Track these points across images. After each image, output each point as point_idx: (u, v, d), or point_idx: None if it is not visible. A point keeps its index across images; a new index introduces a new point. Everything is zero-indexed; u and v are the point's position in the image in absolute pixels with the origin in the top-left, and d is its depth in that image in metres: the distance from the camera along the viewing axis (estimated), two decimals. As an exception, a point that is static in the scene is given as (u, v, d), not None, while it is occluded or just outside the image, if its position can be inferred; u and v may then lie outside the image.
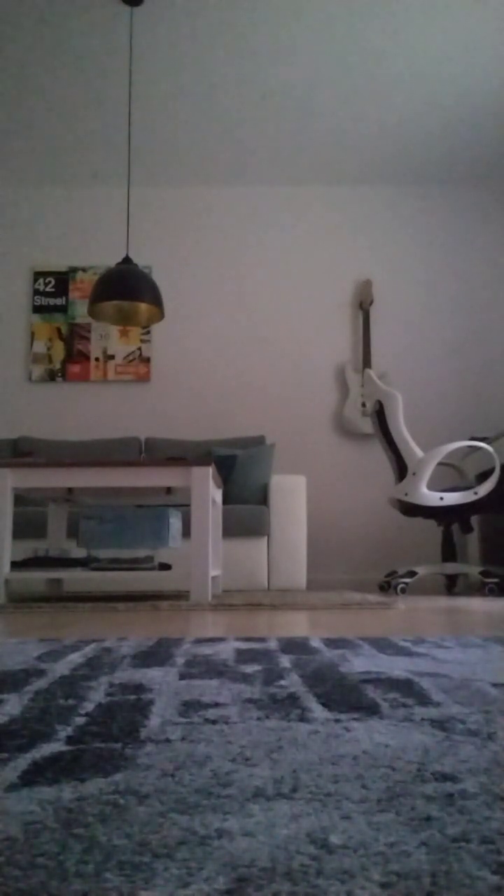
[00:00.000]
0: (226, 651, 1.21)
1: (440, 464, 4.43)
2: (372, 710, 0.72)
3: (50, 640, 1.43)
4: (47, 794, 0.47)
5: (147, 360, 5.04)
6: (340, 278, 5.14)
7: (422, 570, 3.68)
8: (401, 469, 3.75)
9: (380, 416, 3.82)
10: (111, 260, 5.16)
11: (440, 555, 4.66)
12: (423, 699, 0.77)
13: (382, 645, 1.27)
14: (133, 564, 2.87)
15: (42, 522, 3.76)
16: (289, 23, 3.64)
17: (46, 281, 5.11)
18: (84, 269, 5.13)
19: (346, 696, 0.79)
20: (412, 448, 3.68)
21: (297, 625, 1.80)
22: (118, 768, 0.53)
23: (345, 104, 4.29)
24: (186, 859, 0.36)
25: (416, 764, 0.53)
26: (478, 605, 2.73)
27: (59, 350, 5.05)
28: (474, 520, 4.60)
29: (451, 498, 3.63)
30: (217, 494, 3.37)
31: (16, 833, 0.40)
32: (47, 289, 5.11)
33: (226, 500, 4.09)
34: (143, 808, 0.44)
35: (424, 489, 3.63)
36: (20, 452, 4.53)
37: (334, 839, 0.39)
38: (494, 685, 0.86)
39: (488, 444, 4.16)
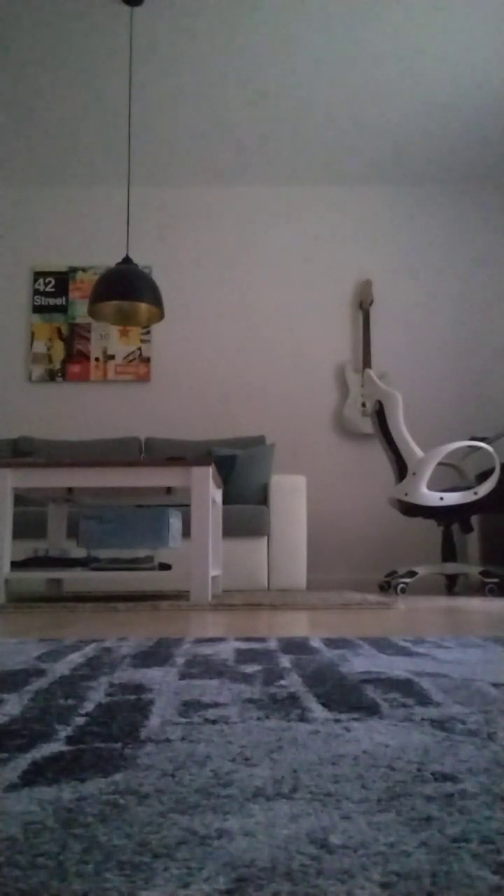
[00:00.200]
0: (226, 651, 1.21)
1: (440, 464, 4.43)
2: (372, 710, 0.72)
3: (50, 640, 1.43)
4: (47, 794, 0.47)
5: (147, 360, 5.04)
6: (340, 278, 5.14)
7: (422, 570, 3.68)
8: (401, 469, 3.75)
9: (380, 416, 3.82)
10: (111, 260, 5.16)
11: (440, 555, 4.66)
12: (423, 699, 0.77)
13: (382, 645, 1.27)
14: (133, 564, 2.87)
15: (42, 522, 3.76)
16: (289, 23, 3.64)
17: (46, 281, 5.11)
18: (84, 269, 5.13)
19: (346, 696, 0.79)
20: (412, 448, 3.68)
21: (297, 625, 1.80)
22: (118, 768, 0.53)
23: (345, 104, 4.29)
24: (186, 859, 0.36)
25: (416, 764, 0.53)
26: (478, 605, 2.73)
27: (59, 350, 5.05)
28: (474, 520, 4.60)
29: (451, 498, 3.63)
30: (217, 494, 3.37)
31: (16, 833, 0.40)
32: (47, 289, 5.11)
33: (226, 500, 4.09)
34: (143, 808, 0.44)
35: (424, 489, 3.63)
36: (20, 452, 4.53)
37: (334, 839, 0.39)
38: (494, 685, 0.86)
39: (488, 444, 4.16)
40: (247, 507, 3.87)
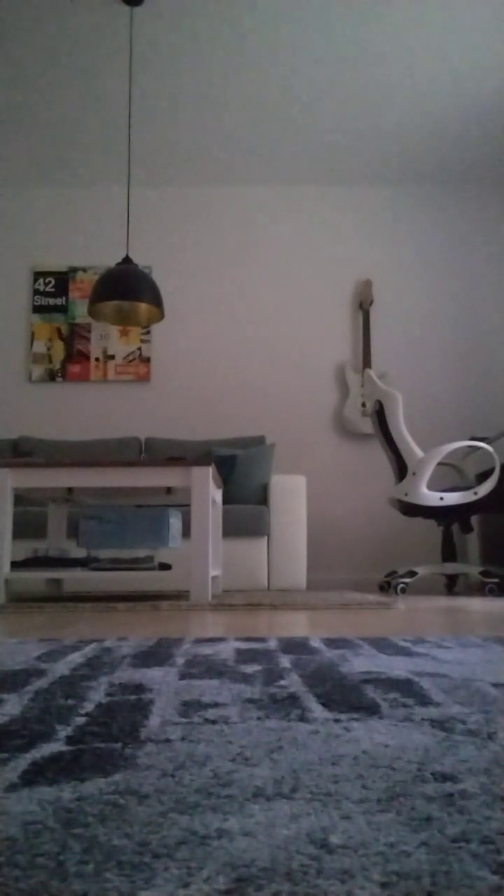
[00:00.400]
0: (226, 651, 1.21)
1: (440, 464, 4.43)
2: (372, 710, 0.72)
3: (50, 640, 1.43)
4: (47, 794, 0.47)
5: (147, 360, 5.04)
6: (340, 278, 5.14)
7: (422, 570, 3.68)
8: (401, 469, 3.75)
9: (380, 416, 3.82)
10: (111, 260, 5.16)
11: (440, 555, 4.66)
12: (423, 699, 0.77)
13: (382, 645, 1.27)
14: (133, 564, 2.87)
15: (42, 522, 3.76)
16: (289, 23, 3.64)
17: (46, 281, 5.11)
18: (84, 269, 5.13)
19: (346, 696, 0.79)
20: (412, 448, 3.68)
21: (297, 625, 1.80)
22: (118, 768, 0.53)
23: (345, 104, 4.29)
24: (186, 859, 0.36)
25: (416, 764, 0.53)
26: (478, 605, 2.73)
27: (59, 350, 5.05)
28: (474, 520, 4.60)
29: (451, 498, 3.63)
30: (217, 494, 3.37)
31: (16, 833, 0.40)
32: (47, 289, 5.11)
33: (226, 500, 4.09)
34: (143, 808, 0.44)
35: (424, 489, 3.63)
36: (20, 452, 4.53)
37: (334, 839, 0.39)
38: (494, 685, 0.86)
39: (488, 444, 4.16)
40: (247, 507, 3.87)
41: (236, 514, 3.81)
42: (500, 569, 4.10)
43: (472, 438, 4.51)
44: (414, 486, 3.64)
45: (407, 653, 1.16)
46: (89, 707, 0.75)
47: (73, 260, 5.17)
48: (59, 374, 5.01)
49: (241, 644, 1.31)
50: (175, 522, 3.01)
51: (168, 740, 0.61)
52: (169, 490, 2.99)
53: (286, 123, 4.48)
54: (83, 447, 4.59)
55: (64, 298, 5.10)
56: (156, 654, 1.17)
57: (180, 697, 0.80)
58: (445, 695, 0.80)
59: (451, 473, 4.90)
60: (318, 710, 0.72)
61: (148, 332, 5.06)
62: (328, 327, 5.09)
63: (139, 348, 5.05)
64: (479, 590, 4.28)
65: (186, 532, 3.74)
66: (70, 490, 2.99)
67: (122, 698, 0.80)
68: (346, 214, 5.20)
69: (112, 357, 5.04)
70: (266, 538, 3.87)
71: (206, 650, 1.22)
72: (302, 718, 0.68)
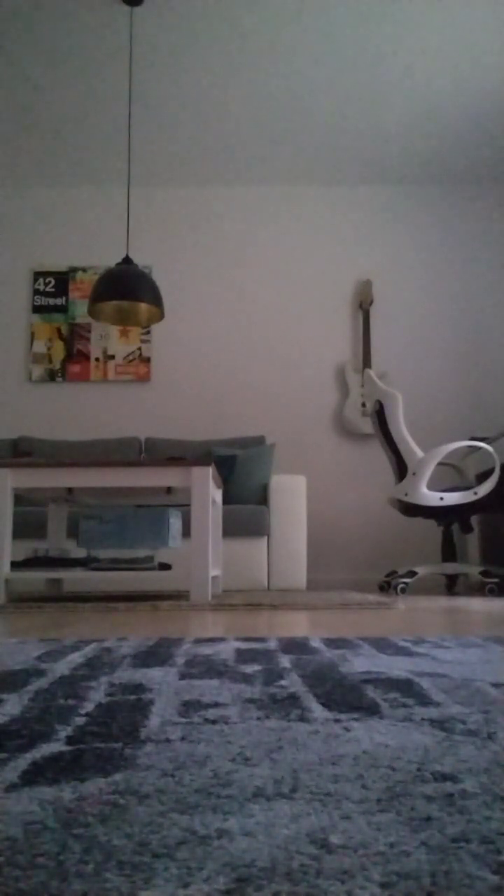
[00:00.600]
0: (226, 651, 1.21)
1: (440, 464, 4.43)
2: (372, 710, 0.72)
3: (50, 640, 1.43)
4: (47, 794, 0.47)
5: (147, 360, 5.04)
6: (340, 278, 5.14)
7: (422, 570, 3.68)
8: (401, 469, 3.75)
9: (380, 416, 3.82)
10: (111, 260, 5.16)
11: (440, 555, 4.66)
12: (423, 699, 0.77)
13: (382, 645, 1.27)
14: (133, 564, 2.87)
15: (42, 522, 3.76)
16: (289, 23, 3.64)
17: (46, 281, 5.11)
18: (84, 269, 5.13)
19: (346, 696, 0.79)
20: (412, 448, 3.68)
21: (297, 625, 1.80)
22: (118, 768, 0.53)
23: (345, 104, 4.29)
24: (186, 859, 0.36)
25: (416, 764, 0.53)
26: (478, 605, 2.73)
27: (59, 350, 5.05)
28: (474, 520, 4.60)
29: (451, 498, 3.63)
30: (217, 494, 3.37)
31: (16, 833, 0.40)
32: (47, 289, 5.11)
33: (226, 500, 4.09)
34: (143, 808, 0.44)
35: (424, 489, 3.63)
36: (20, 452, 4.53)
37: (334, 839, 0.39)
38: (494, 685, 0.86)
39: (488, 444, 4.16)
40: (247, 507, 3.87)
41: (236, 514, 3.81)
42: (500, 569, 4.10)
43: (472, 438, 4.51)
44: (414, 486, 3.64)
45: (407, 653, 1.16)
46: (89, 707, 0.75)
47: (73, 260, 5.17)
48: (59, 374, 5.01)
49: (241, 644, 1.31)
50: (175, 522, 3.01)
51: (168, 740, 0.61)
52: (169, 490, 2.99)
53: (286, 123, 4.48)
54: (83, 447, 4.59)
55: (64, 298, 5.10)
56: (156, 654, 1.17)
57: (180, 697, 0.80)
58: (445, 695, 0.80)
59: (451, 473, 4.90)
60: (318, 710, 0.72)
61: (148, 332, 5.06)
62: (328, 327, 5.09)
63: (139, 348, 5.05)
64: (479, 590, 4.28)
65: (186, 532, 3.74)
66: (70, 490, 2.99)
67: (122, 698, 0.80)
68: (346, 214, 5.20)
69: (112, 357, 5.04)
70: (266, 538, 3.87)
71: (206, 650, 1.22)
72: (302, 718, 0.68)
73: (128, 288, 3.31)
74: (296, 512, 3.95)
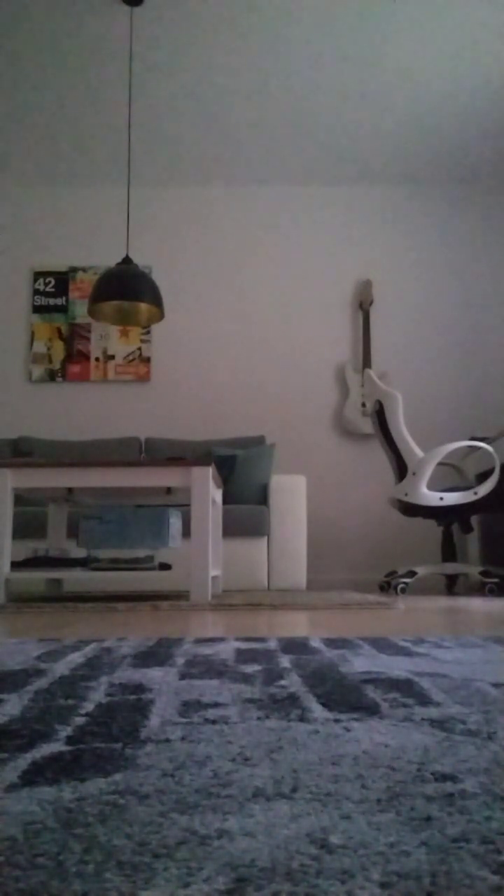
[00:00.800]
0: (226, 651, 1.21)
1: (440, 464, 4.43)
2: (372, 710, 0.72)
3: (50, 640, 1.43)
4: (47, 794, 0.47)
5: (147, 360, 5.04)
6: (340, 278, 5.14)
7: (422, 570, 3.68)
8: (401, 469, 3.75)
9: (380, 416, 3.82)
10: (111, 260, 5.16)
11: (440, 555, 4.66)
12: (423, 699, 0.77)
13: (382, 645, 1.27)
14: (133, 564, 2.87)
15: (42, 522, 3.76)
16: (289, 23, 3.64)
17: (46, 281, 5.11)
18: (84, 269, 5.13)
19: (346, 696, 0.79)
20: (412, 448, 3.68)
21: (297, 625, 1.80)
22: (118, 768, 0.53)
23: (345, 104, 4.29)
24: (186, 859, 0.36)
25: (416, 764, 0.53)
26: (478, 605, 2.73)
27: (59, 350, 5.05)
28: (474, 520, 4.60)
29: (451, 498, 3.63)
30: (217, 494, 3.37)
31: (16, 833, 0.40)
32: (47, 289, 5.11)
33: (226, 500, 4.09)
34: (143, 808, 0.44)
35: (424, 489, 3.63)
36: (20, 452, 4.53)
37: (334, 839, 0.39)
38: (494, 685, 0.86)
39: (488, 444, 4.16)
40: (247, 507, 3.87)
41: (236, 514, 3.81)
42: (500, 569, 4.10)
43: (472, 438, 4.51)
44: (414, 486, 3.64)
45: (407, 653, 1.16)
46: (89, 707, 0.75)
47: (73, 260, 5.17)
48: (59, 374, 5.01)
49: (241, 644, 1.31)
50: (175, 522, 3.01)
51: (168, 740, 0.61)
52: (169, 490, 2.99)
53: (286, 124, 4.48)
54: (83, 447, 4.59)
55: (64, 298, 5.10)
56: (156, 654, 1.17)
57: (180, 697, 0.80)
58: (445, 695, 0.80)
59: (451, 473, 4.90)
60: (318, 710, 0.72)
61: (148, 332, 5.06)
62: (328, 327, 5.09)
63: (139, 348, 5.05)
64: (479, 590, 4.28)
65: (186, 532, 3.74)
66: (70, 490, 2.99)
67: (122, 698, 0.80)
68: (346, 214, 5.20)
69: (112, 357, 5.04)
70: (266, 538, 3.87)
71: (206, 650, 1.22)
72: (302, 718, 0.68)
73: (128, 288, 3.31)
74: (296, 512, 3.95)
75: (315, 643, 1.31)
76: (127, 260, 3.45)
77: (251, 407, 5.00)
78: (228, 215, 5.21)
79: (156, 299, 3.41)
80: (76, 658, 1.14)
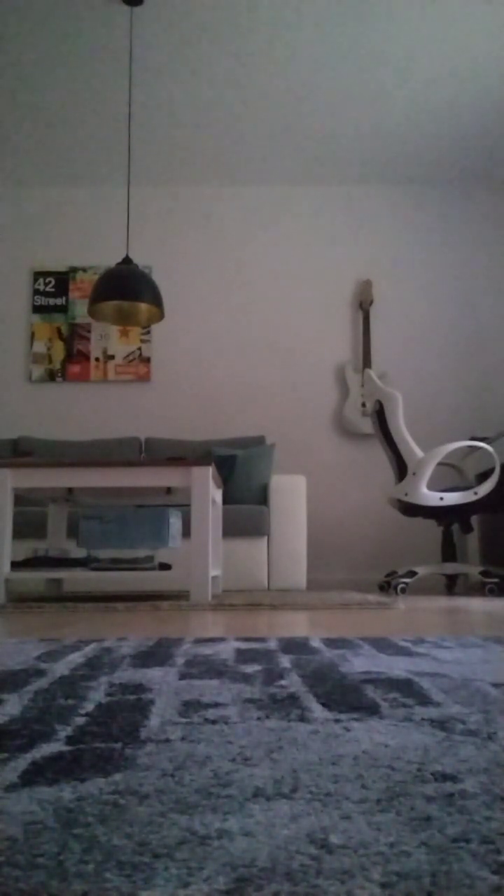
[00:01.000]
0: (226, 651, 1.21)
1: (440, 464, 4.43)
2: (372, 710, 0.72)
3: (50, 640, 1.43)
4: (47, 794, 0.47)
5: (147, 360, 5.04)
6: (340, 278, 5.14)
7: (422, 570, 3.68)
8: (401, 469, 3.75)
9: (380, 416, 3.82)
10: (111, 260, 5.16)
11: (440, 555, 4.66)
12: (423, 699, 0.77)
13: (382, 645, 1.27)
14: (133, 564, 2.87)
15: (42, 522, 3.76)
16: (288, 23, 3.64)
17: (46, 281, 5.11)
18: (84, 269, 5.13)
19: (346, 696, 0.79)
20: (412, 448, 3.68)
21: (297, 625, 1.80)
22: (118, 768, 0.53)
23: (345, 104, 4.29)
24: (186, 859, 0.36)
25: (416, 764, 0.53)
26: (478, 605, 2.73)
27: (59, 350, 5.05)
28: (474, 520, 4.60)
29: (451, 498, 3.63)
30: (217, 494, 3.37)
31: (16, 833, 0.40)
32: (47, 289, 5.11)
33: (226, 500, 4.09)
34: (143, 808, 0.44)
35: (424, 489, 3.63)
36: (20, 452, 4.53)
37: (334, 839, 0.39)
38: (494, 685, 0.86)
39: (488, 444, 4.16)
40: (247, 507, 3.87)
41: (236, 514, 3.81)
42: (500, 569, 4.10)
43: (472, 438, 4.51)
44: (414, 486, 3.64)
45: (407, 653, 1.16)
46: (89, 707, 0.75)
47: (73, 260, 5.17)
48: (59, 374, 5.01)
49: (241, 644, 1.31)
50: (175, 522, 3.01)
51: (168, 740, 0.61)
52: (169, 490, 2.99)
53: (286, 123, 4.48)
54: (83, 447, 4.59)
55: (64, 298, 5.10)
56: (156, 654, 1.17)
57: (180, 697, 0.80)
58: (445, 695, 0.80)
59: (451, 473, 4.90)
60: (318, 710, 0.72)
61: (148, 332, 5.06)
62: (328, 327, 5.09)
63: (139, 348, 5.05)
64: (479, 590, 4.28)
65: (186, 532, 3.74)
66: (70, 490, 2.99)
67: (122, 698, 0.80)
68: (346, 214, 5.20)
69: (112, 357, 5.04)
70: (266, 538, 3.87)
71: (206, 650, 1.22)
72: (302, 718, 0.68)
73: (128, 288, 3.31)
74: (296, 512, 3.95)
75: (315, 643, 1.31)
76: (127, 260, 3.45)
77: (251, 407, 5.00)
78: (228, 215, 5.21)
79: (156, 299, 3.41)
80: (76, 658, 1.14)
